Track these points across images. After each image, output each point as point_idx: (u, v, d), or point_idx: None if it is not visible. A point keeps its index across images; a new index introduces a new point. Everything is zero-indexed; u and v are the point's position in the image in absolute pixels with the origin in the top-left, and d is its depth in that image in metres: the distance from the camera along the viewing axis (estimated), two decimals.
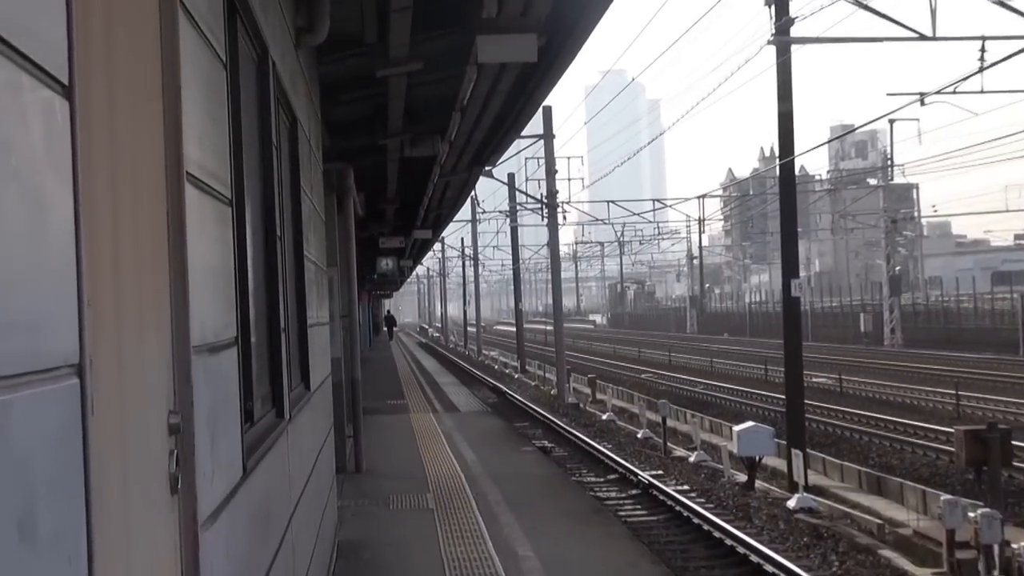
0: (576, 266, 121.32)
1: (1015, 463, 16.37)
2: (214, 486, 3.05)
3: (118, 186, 2.25)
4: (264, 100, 5.04)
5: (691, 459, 19.69)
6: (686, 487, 16.97)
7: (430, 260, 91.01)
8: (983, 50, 19.22)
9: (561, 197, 35.78)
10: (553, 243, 34.34)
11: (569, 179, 46.76)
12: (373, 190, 17.57)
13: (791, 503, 15.20)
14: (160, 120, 2.72)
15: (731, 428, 19.52)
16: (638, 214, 62.72)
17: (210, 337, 3.12)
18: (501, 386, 35.64)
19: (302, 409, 6.10)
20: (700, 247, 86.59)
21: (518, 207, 44.29)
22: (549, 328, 37.58)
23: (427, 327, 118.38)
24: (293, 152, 6.53)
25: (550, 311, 37.83)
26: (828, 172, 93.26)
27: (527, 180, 42.91)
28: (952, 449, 19.02)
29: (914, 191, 72.41)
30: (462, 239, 73.47)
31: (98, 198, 2.09)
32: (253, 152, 4.71)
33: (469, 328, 70.03)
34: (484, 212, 55.75)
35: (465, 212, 50.22)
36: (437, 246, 73.74)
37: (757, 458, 17.05)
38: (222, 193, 3.48)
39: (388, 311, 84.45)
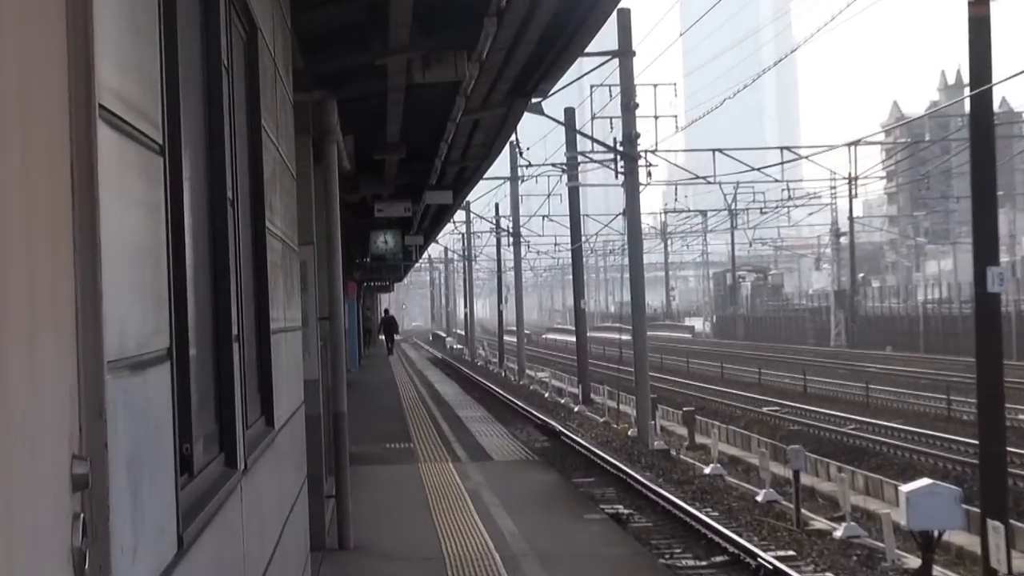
0: (666, 246, 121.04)
1: None
2: (137, 566, 3.06)
3: (1, 126, 2.26)
4: (210, 0, 5.06)
5: (837, 533, 19.66)
6: (830, 575, 16.92)
7: (449, 236, 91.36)
8: None
9: (644, 143, 35.71)
10: (632, 212, 34.27)
11: (656, 117, 46.44)
12: (368, 133, 17.62)
13: None
14: (62, 29, 2.72)
15: (897, 488, 19.40)
16: (759, 169, 62.29)
17: (132, 348, 3.13)
18: (554, 423, 35.64)
19: (263, 455, 6.13)
20: (851, 219, 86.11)
21: (580, 158, 44.23)
22: (625, 338, 37.53)
23: (444, 335, 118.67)
24: (251, 77, 6.55)
25: (625, 313, 37.78)
26: None
27: (593, 119, 42.82)
28: None
29: None
30: (496, 205, 73.57)
31: None
32: (194, 77, 4.73)
33: (506, 337, 70.11)
34: (530, 166, 55.67)
35: (502, 166, 50.20)
36: (460, 216, 73.92)
37: (936, 533, 16.95)
38: (150, 136, 3.50)
39: (386, 310, 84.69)
